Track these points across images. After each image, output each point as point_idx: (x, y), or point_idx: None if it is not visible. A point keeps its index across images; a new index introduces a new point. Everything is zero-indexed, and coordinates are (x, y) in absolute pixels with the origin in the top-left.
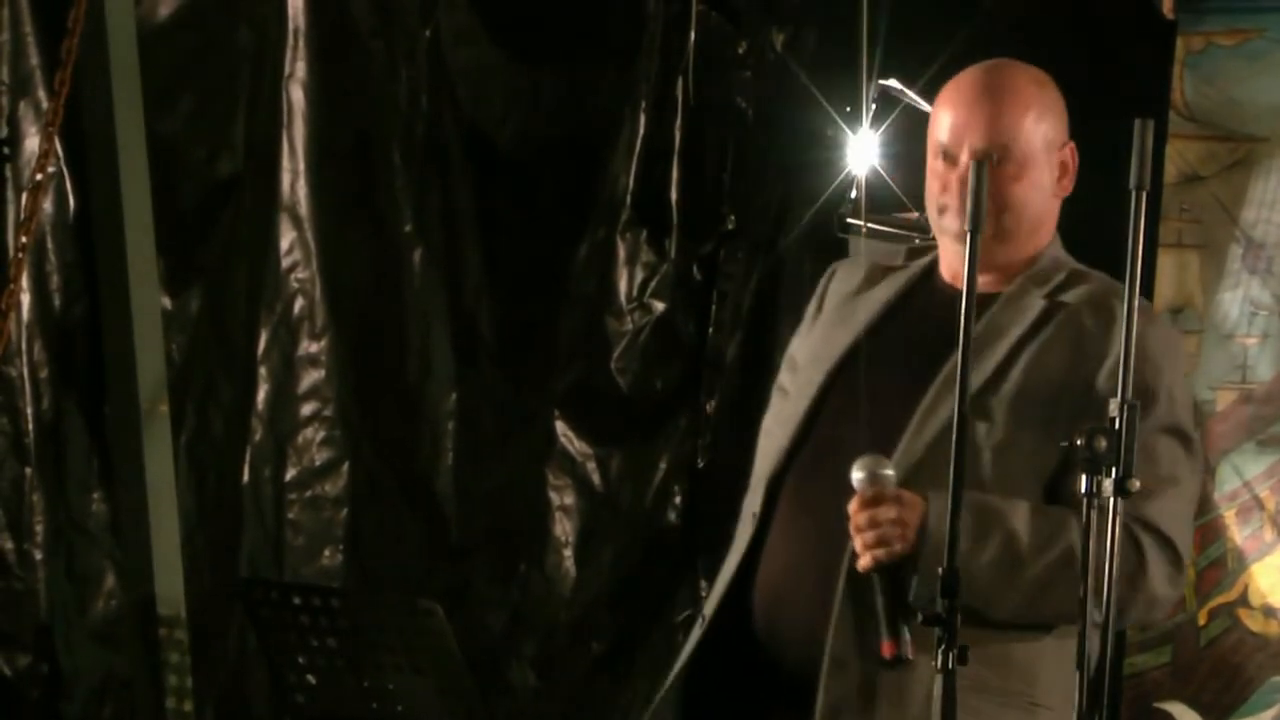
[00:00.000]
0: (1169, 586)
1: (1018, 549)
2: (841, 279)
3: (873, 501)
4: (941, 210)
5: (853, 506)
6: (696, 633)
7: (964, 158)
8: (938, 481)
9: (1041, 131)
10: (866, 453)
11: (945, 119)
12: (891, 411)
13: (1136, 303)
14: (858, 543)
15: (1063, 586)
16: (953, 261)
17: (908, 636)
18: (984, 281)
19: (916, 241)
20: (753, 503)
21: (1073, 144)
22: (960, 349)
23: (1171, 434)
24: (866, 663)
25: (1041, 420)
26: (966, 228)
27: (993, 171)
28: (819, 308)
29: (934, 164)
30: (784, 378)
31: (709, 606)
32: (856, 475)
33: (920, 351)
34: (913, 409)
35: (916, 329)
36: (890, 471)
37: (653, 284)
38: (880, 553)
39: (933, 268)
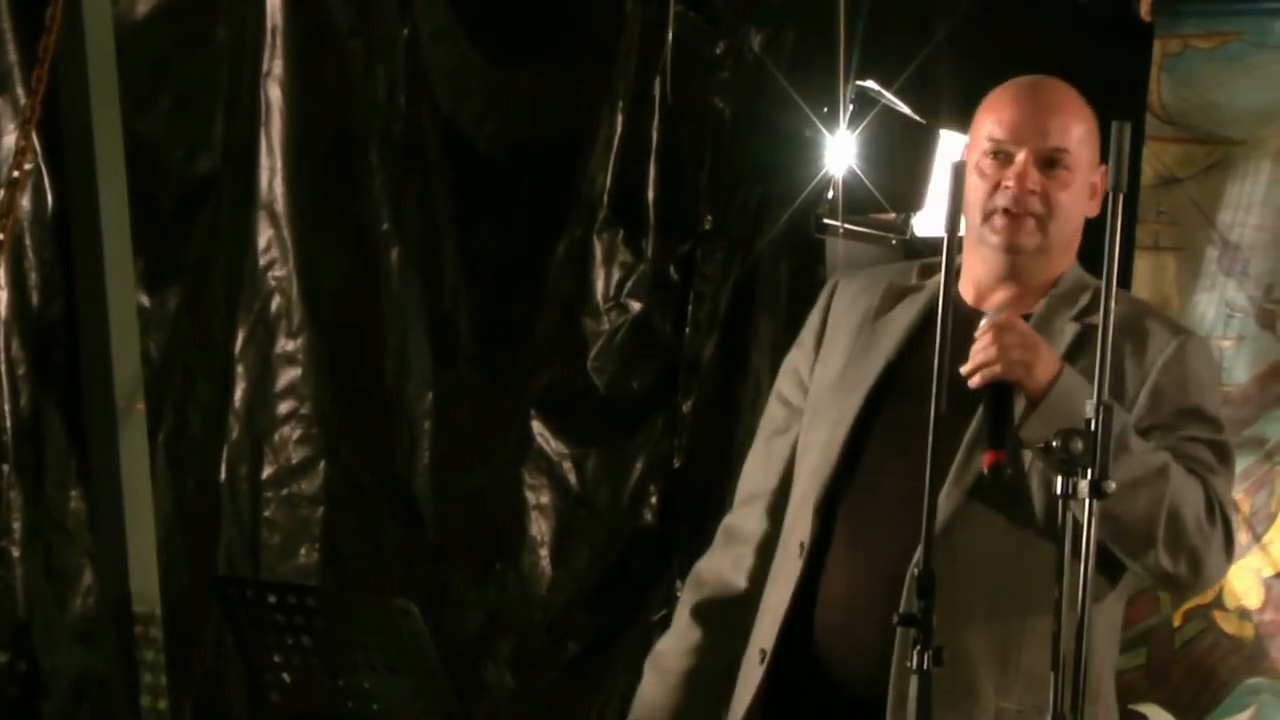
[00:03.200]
0: (1222, 556)
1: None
2: (850, 296)
3: (1005, 325)
4: (988, 215)
5: (982, 327)
6: (759, 671)
7: (1021, 156)
8: (989, 513)
9: (1089, 147)
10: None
11: (1001, 118)
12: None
13: (1113, 304)
14: (977, 357)
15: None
16: (981, 278)
17: (1016, 451)
18: (1009, 298)
19: (893, 241)
20: (799, 531)
21: (1105, 167)
22: (938, 349)
23: (1214, 448)
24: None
25: None
26: (945, 228)
27: (1047, 176)
28: (823, 323)
29: (983, 163)
30: (787, 390)
31: (767, 640)
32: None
33: (953, 379)
34: (955, 443)
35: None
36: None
37: (630, 284)
38: (997, 367)
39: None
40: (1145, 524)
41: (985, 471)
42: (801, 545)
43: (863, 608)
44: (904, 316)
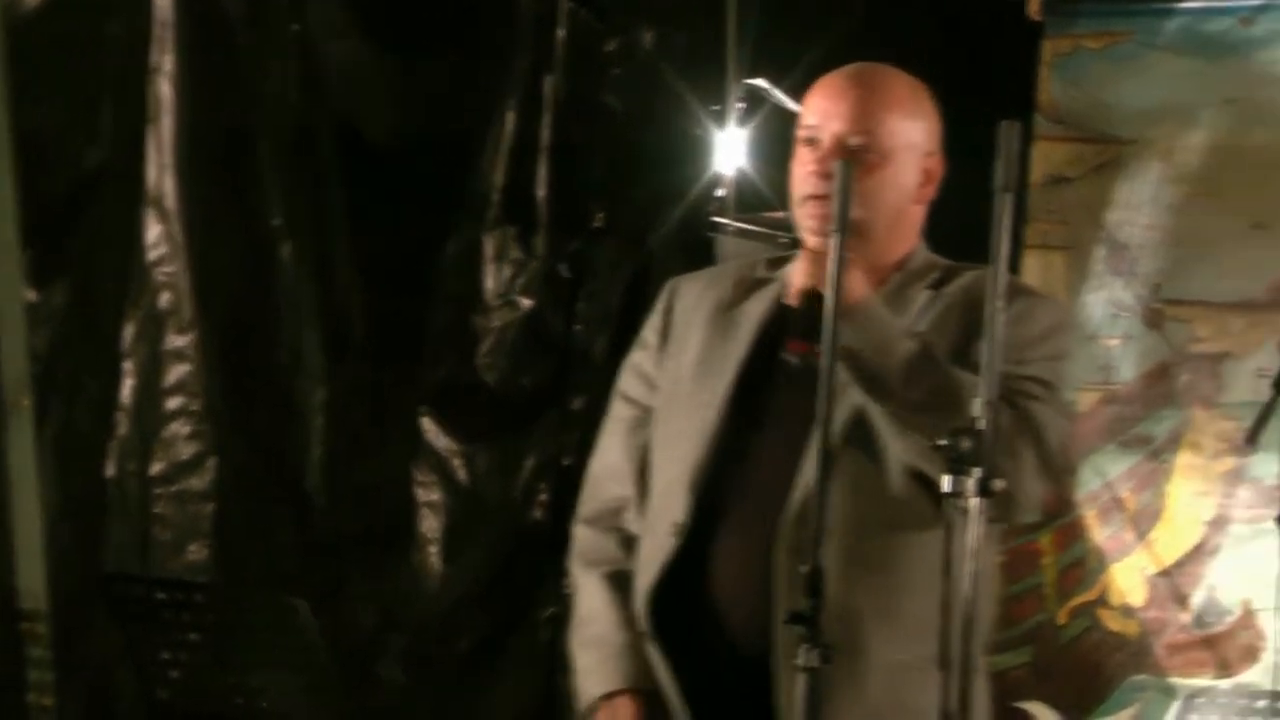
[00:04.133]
0: (1037, 480)
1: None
2: (695, 293)
3: (822, 249)
4: (803, 200)
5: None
6: (653, 642)
7: (826, 142)
8: (846, 475)
9: (907, 131)
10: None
11: (812, 105)
12: (794, 429)
13: (1001, 303)
14: (797, 277)
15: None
16: (798, 275)
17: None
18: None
19: (783, 239)
20: (672, 512)
21: (941, 156)
22: (829, 347)
23: (1042, 384)
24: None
25: None
26: (833, 228)
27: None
28: (665, 322)
29: (799, 150)
30: (633, 389)
31: (641, 623)
32: None
33: (812, 367)
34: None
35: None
36: None
37: (520, 281)
38: (812, 280)
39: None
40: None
41: (789, 356)
42: (675, 525)
43: (738, 587)
44: (758, 307)
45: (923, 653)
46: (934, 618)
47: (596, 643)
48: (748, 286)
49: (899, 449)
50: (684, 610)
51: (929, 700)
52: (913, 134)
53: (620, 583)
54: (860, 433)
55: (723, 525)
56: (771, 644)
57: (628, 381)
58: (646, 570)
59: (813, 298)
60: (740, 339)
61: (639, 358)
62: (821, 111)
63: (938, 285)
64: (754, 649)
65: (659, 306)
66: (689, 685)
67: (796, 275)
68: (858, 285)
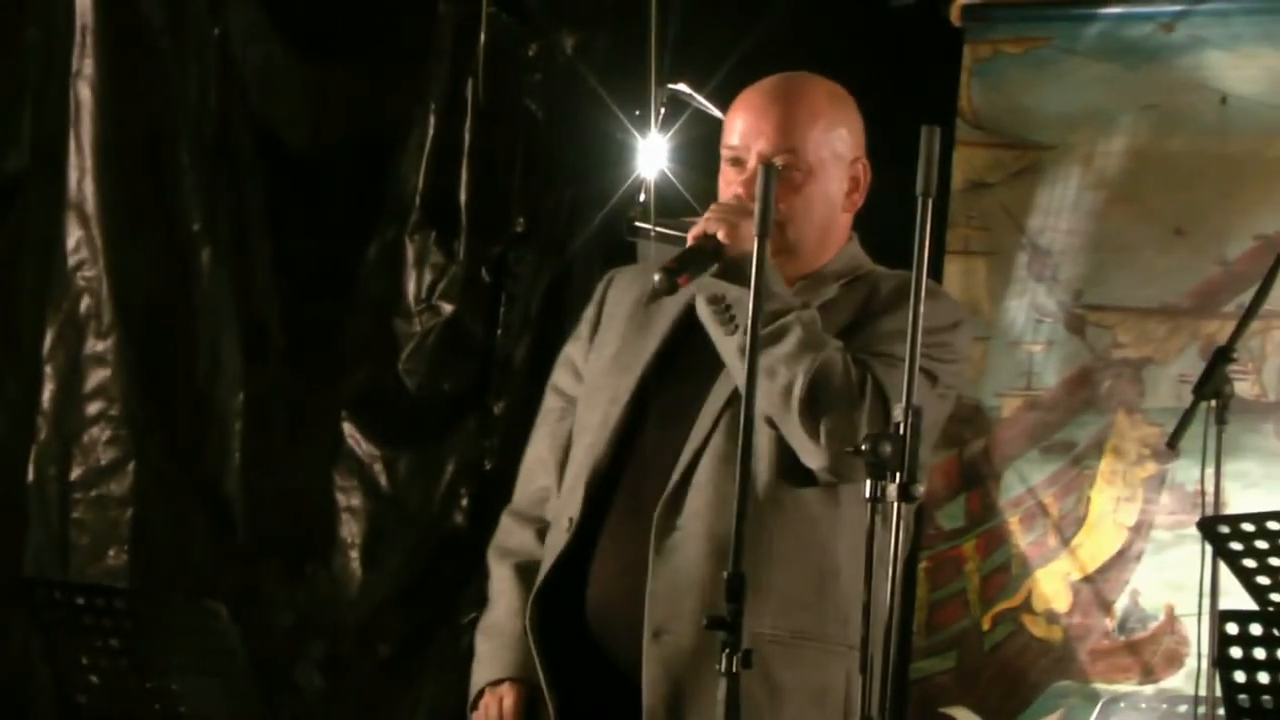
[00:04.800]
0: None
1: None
2: (622, 287)
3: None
4: None
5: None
6: (529, 636)
7: (751, 162)
8: (725, 448)
9: (831, 142)
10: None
11: (735, 124)
12: (686, 421)
13: (921, 309)
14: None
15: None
16: (703, 220)
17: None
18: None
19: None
20: (569, 507)
21: (866, 160)
22: (748, 342)
23: (890, 361)
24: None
25: None
26: (755, 232)
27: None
28: (598, 314)
29: (725, 171)
30: (563, 381)
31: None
32: None
33: (715, 361)
34: (698, 410)
35: (708, 341)
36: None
37: (441, 286)
38: (709, 224)
39: None
40: (788, 372)
41: (658, 274)
42: (570, 520)
43: (632, 580)
44: (675, 302)
45: (789, 627)
46: (802, 593)
47: (493, 631)
48: None
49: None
50: (568, 606)
51: (793, 677)
52: (838, 144)
53: (526, 575)
54: (731, 411)
55: (610, 520)
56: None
57: (558, 373)
58: (544, 565)
59: (707, 239)
60: (654, 334)
61: (570, 349)
62: (744, 131)
63: (850, 283)
64: (626, 645)
65: (594, 299)
66: (567, 681)
67: (702, 220)
68: (749, 233)
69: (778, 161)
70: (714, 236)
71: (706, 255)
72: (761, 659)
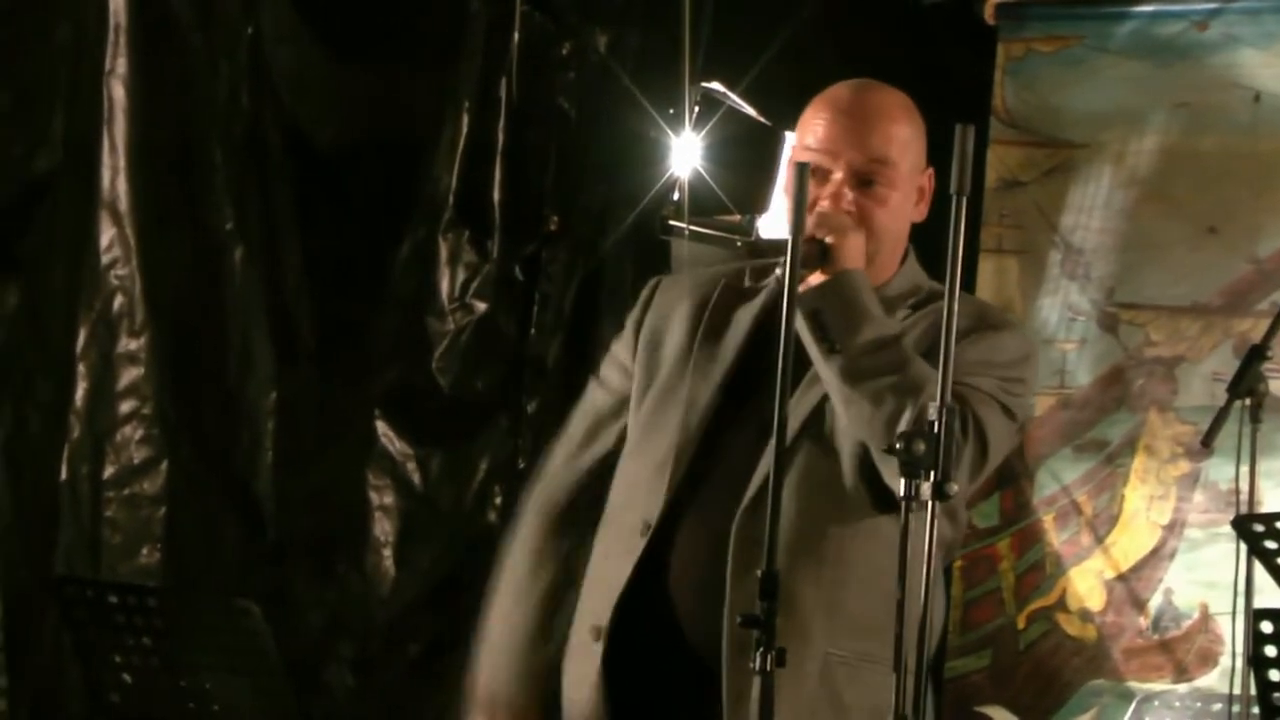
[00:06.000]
0: (966, 474)
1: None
2: (677, 293)
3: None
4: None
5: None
6: (597, 648)
7: (838, 174)
8: (799, 468)
9: (912, 153)
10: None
11: (817, 128)
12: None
13: (957, 305)
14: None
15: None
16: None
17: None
18: None
19: (738, 243)
20: (642, 509)
21: (932, 170)
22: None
23: (988, 393)
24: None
25: None
26: (789, 230)
27: (863, 193)
28: (642, 316)
29: (796, 174)
30: (610, 375)
31: (601, 617)
32: None
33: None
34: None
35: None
36: None
37: (474, 284)
38: (821, 226)
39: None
40: (891, 395)
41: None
42: (647, 524)
43: (708, 586)
44: (746, 315)
45: (858, 649)
46: (874, 616)
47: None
48: (735, 295)
49: (845, 421)
50: (646, 610)
51: (856, 697)
52: (916, 154)
53: (553, 593)
54: (817, 427)
55: (699, 526)
56: (721, 640)
57: (607, 369)
58: (610, 562)
59: (813, 243)
60: (731, 344)
61: (618, 349)
62: (826, 139)
63: (917, 307)
64: (708, 647)
65: (640, 302)
66: (647, 684)
67: (810, 224)
68: (858, 247)
69: (867, 174)
70: (822, 241)
71: (811, 260)
72: (831, 679)
